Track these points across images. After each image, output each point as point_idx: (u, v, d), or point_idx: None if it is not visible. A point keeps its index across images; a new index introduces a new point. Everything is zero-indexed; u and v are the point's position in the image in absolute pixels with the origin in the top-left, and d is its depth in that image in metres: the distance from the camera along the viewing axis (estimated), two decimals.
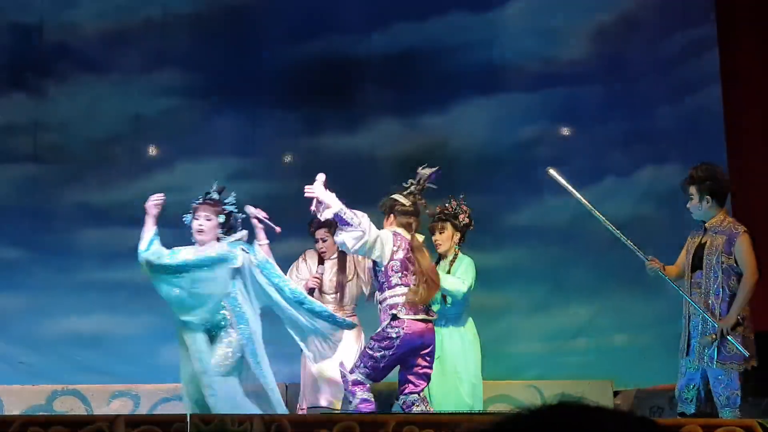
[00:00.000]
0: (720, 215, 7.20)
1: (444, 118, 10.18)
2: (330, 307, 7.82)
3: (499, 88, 10.19)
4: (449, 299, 7.88)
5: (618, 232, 7.56)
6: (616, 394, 9.32)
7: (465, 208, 8.07)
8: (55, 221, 10.07)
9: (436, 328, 7.58)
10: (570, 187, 7.60)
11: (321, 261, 8.10)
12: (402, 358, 7.08)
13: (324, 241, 8.06)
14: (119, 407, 8.94)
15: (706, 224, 7.21)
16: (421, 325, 7.11)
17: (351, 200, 9.88)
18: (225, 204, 7.73)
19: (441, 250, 7.97)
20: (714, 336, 7.07)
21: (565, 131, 10.17)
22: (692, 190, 7.21)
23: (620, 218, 9.67)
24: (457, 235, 8.04)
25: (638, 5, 10.14)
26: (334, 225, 7.53)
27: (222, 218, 7.63)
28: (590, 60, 10.14)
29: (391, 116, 10.21)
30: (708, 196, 7.14)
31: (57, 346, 9.87)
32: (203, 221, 7.64)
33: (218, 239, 7.62)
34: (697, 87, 9.98)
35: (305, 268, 8.13)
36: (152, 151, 10.21)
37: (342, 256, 8.04)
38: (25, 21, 10.18)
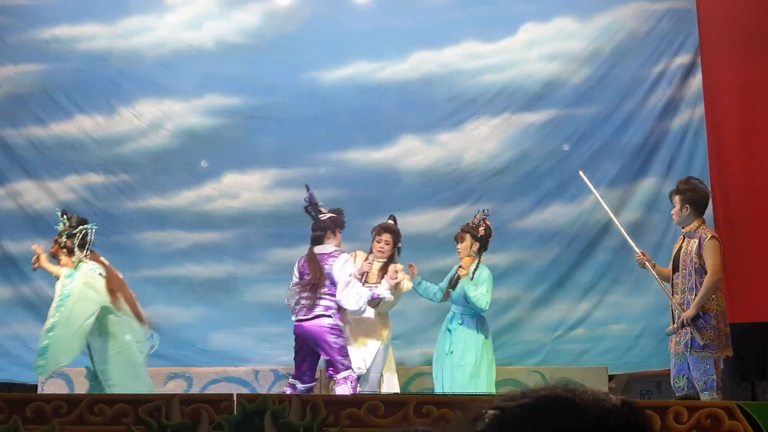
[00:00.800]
0: (696, 223, 7.34)
1: (458, 135, 10.13)
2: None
3: (507, 108, 10.13)
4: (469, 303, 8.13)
5: (623, 230, 7.97)
6: (610, 378, 9.36)
7: (486, 222, 8.27)
8: (120, 224, 10.08)
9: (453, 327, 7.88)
10: (592, 187, 8.10)
11: (371, 262, 8.29)
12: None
13: (387, 244, 8.20)
14: (174, 387, 9.01)
15: (683, 230, 7.38)
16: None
17: (376, 206, 10.03)
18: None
19: (461, 257, 8.29)
20: (675, 326, 7.23)
21: (565, 146, 10.14)
22: (676, 199, 7.41)
23: (613, 223, 9.81)
24: (476, 245, 8.22)
25: (630, 35, 10.08)
26: (396, 234, 8.11)
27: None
28: (587, 83, 10.07)
29: (412, 133, 10.15)
30: (688, 205, 7.31)
31: None
32: None
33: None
34: (682, 106, 9.99)
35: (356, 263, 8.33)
36: (203, 163, 10.19)
37: (388, 262, 8.20)
38: (94, 49, 10.20)
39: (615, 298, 9.87)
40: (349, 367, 7.79)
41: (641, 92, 10.02)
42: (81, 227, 7.95)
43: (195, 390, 9.09)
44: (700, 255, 7.24)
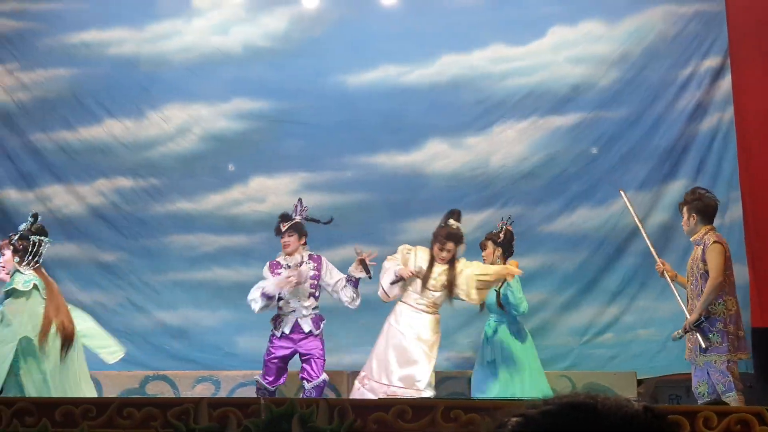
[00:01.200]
0: (703, 230, 7.41)
1: (486, 138, 10.07)
2: (423, 301, 8.00)
3: (534, 111, 10.06)
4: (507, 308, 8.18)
5: (648, 239, 7.96)
6: (639, 383, 9.27)
7: (509, 227, 8.26)
8: (149, 228, 10.09)
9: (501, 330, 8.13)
10: (631, 208, 8.11)
11: (432, 264, 8.09)
12: None
13: (449, 252, 8.05)
14: (202, 391, 9.00)
15: (692, 239, 7.45)
16: None
17: (403, 210, 9.97)
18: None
19: (486, 263, 8.32)
20: (679, 332, 7.27)
21: (593, 149, 10.05)
22: (684, 210, 7.49)
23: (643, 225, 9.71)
24: (499, 250, 8.22)
25: (658, 38, 10.00)
26: (460, 241, 8.02)
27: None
28: (615, 85, 9.99)
29: (440, 137, 10.09)
30: (694, 214, 7.41)
31: (149, 337, 9.89)
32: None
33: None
34: (712, 109, 9.89)
35: (412, 260, 8.15)
36: (230, 167, 10.17)
37: (451, 265, 8.08)
38: (123, 53, 10.21)
39: (643, 302, 9.78)
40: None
41: (670, 95, 9.93)
42: (37, 237, 7.78)
43: (222, 393, 9.10)
44: (704, 261, 7.29)
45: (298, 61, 10.14)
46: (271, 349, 8.13)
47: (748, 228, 9.19)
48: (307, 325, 8.10)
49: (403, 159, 10.10)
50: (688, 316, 7.33)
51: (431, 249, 8.13)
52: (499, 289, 8.21)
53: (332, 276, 8.23)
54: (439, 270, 8.08)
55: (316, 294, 8.20)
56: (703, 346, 7.18)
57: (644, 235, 8.12)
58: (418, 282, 8.05)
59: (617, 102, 10.00)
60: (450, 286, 8.01)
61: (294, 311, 8.12)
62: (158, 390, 9.04)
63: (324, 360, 8.08)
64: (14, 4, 10.09)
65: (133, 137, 10.15)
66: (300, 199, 8.56)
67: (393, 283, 8.00)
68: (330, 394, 8.66)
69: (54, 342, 7.45)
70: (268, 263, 8.32)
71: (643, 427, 1.41)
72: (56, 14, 10.23)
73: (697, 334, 7.21)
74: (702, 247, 7.32)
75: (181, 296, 9.83)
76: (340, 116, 10.09)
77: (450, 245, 8.07)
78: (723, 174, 9.71)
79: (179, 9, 10.20)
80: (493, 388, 8.05)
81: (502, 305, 8.21)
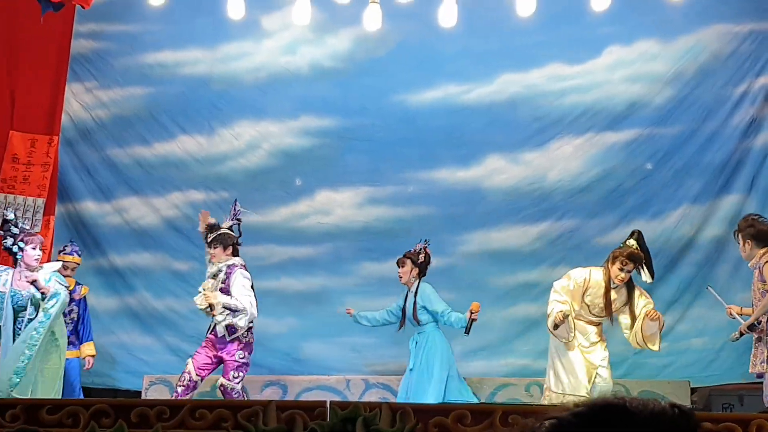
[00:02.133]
0: (759, 254, 7.47)
1: (543, 154, 10.10)
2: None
3: (590, 128, 10.07)
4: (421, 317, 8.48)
5: (720, 298, 8.03)
6: (693, 391, 9.23)
7: (427, 251, 8.72)
8: None
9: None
10: (721, 299, 8.05)
11: (609, 287, 7.93)
12: None
13: (629, 273, 7.87)
14: (270, 394, 9.10)
15: (750, 264, 7.62)
16: None
17: (462, 223, 10.03)
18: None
19: (402, 281, 8.71)
20: (735, 334, 7.57)
21: (648, 165, 10.03)
22: (739, 237, 7.61)
23: (696, 239, 9.69)
24: (416, 270, 8.64)
25: (713, 56, 9.96)
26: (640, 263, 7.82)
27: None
28: (669, 103, 9.96)
29: (498, 152, 10.13)
30: (749, 240, 7.51)
31: None
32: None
33: None
34: (766, 125, 9.83)
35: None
36: (297, 181, 10.28)
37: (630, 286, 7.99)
38: (196, 73, 10.36)
39: (697, 312, 9.74)
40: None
41: (724, 112, 9.90)
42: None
43: (289, 397, 9.17)
44: (762, 281, 7.40)
45: (362, 80, 10.23)
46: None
47: None
48: (221, 330, 8.20)
49: (462, 174, 10.14)
50: (741, 321, 7.54)
51: (606, 268, 7.95)
52: (414, 301, 8.49)
53: (235, 287, 8.27)
54: (618, 294, 7.99)
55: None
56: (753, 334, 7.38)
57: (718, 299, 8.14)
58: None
59: (672, 119, 9.97)
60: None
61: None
62: None
63: (238, 363, 8.18)
64: (93, 25, 10.26)
65: (205, 152, 10.30)
66: (236, 200, 8.64)
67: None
68: (392, 399, 8.74)
69: None
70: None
71: (670, 423, 1.42)
72: (133, 35, 10.38)
73: (751, 337, 7.41)
74: (758, 269, 7.44)
75: None
76: (402, 133, 10.17)
77: (630, 266, 7.89)
78: None
79: (249, 31, 10.32)
80: (415, 394, 8.21)
81: (417, 318, 8.41)
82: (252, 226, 10.20)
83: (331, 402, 6.27)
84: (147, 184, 10.30)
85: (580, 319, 7.91)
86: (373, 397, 8.92)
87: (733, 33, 9.98)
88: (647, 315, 7.85)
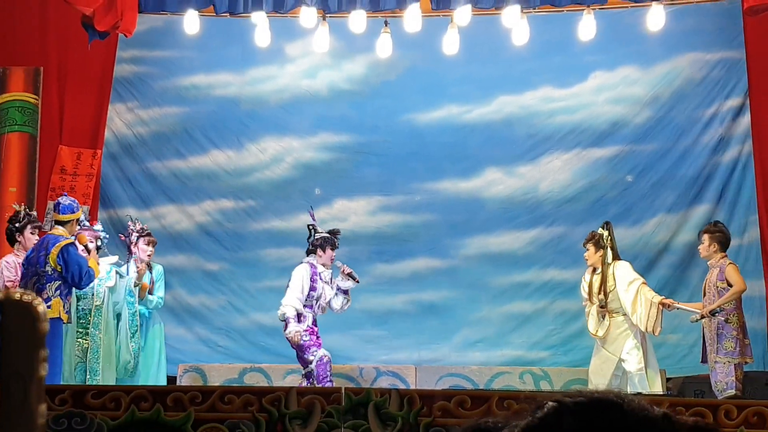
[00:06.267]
0: (718, 256, 7.91)
1: (535, 168, 10.10)
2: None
3: (578, 144, 10.07)
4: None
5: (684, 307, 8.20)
6: (668, 380, 9.22)
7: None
8: (247, 242, 10.20)
9: None
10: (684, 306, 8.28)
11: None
12: None
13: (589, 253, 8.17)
14: (292, 381, 9.03)
15: (709, 263, 7.98)
16: None
17: (463, 228, 10.05)
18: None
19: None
20: (695, 317, 7.89)
21: (628, 177, 10.04)
22: (705, 237, 7.96)
23: (671, 244, 9.70)
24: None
25: (686, 81, 9.95)
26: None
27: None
28: (648, 123, 9.95)
29: (495, 166, 10.14)
30: (716, 243, 7.85)
31: (247, 335, 10.00)
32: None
33: None
34: (733, 143, 9.82)
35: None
36: (317, 191, 10.27)
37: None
38: (226, 94, 10.37)
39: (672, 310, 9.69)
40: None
41: (696, 131, 9.89)
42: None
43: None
44: (722, 279, 7.71)
45: (375, 101, 10.26)
46: None
47: (765, 247, 9.13)
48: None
49: (464, 185, 10.15)
50: (704, 311, 7.78)
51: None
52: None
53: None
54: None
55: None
56: (725, 351, 7.46)
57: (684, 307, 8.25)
58: None
59: (650, 137, 9.97)
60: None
61: None
62: (254, 380, 9.12)
63: None
64: (134, 51, 10.30)
65: (234, 165, 10.30)
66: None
67: None
68: (400, 385, 8.74)
69: None
70: None
71: (659, 428, 1.38)
72: (170, 60, 10.40)
73: (716, 325, 7.68)
74: (718, 269, 7.71)
75: (273, 300, 9.85)
76: (411, 148, 10.18)
77: (591, 246, 8.22)
78: (742, 199, 9.65)
79: (274, 57, 10.32)
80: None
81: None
82: (276, 231, 10.25)
83: (345, 388, 6.30)
84: (182, 194, 10.30)
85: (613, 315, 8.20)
86: (383, 383, 8.92)
87: (705, 61, 9.98)
88: (661, 303, 8.03)
